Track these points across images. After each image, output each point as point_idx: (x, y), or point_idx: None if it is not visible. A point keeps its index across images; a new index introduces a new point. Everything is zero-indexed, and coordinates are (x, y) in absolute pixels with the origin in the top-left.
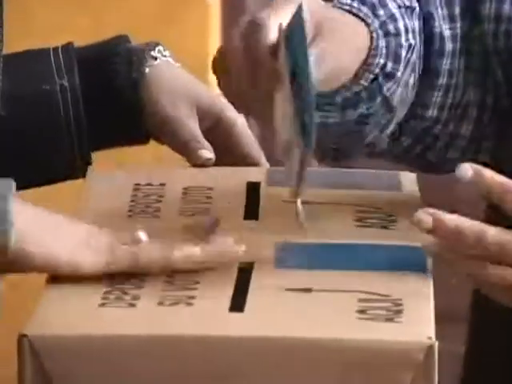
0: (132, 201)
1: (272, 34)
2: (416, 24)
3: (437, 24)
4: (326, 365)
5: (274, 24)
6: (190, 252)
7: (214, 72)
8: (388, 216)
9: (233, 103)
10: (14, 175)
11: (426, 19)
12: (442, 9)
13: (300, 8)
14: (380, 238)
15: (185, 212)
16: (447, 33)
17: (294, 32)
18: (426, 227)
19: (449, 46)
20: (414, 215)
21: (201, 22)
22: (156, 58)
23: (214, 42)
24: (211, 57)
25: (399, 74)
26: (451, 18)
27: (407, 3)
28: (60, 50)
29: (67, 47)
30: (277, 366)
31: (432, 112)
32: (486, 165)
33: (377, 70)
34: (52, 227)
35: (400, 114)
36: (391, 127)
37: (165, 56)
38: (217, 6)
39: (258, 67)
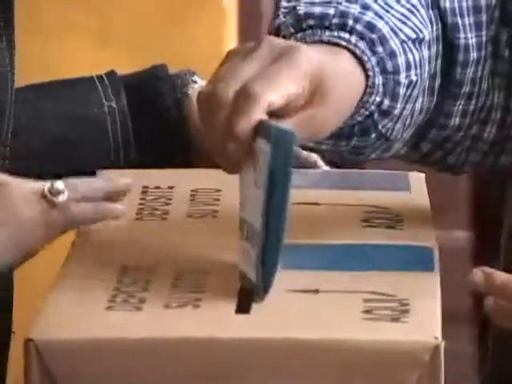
0: (140, 204)
1: (260, 113)
2: (425, 54)
3: (462, 35)
4: (332, 365)
5: (266, 100)
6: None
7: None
8: (395, 216)
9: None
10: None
11: (450, 30)
12: (468, 17)
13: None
14: (387, 238)
15: (193, 214)
16: (473, 41)
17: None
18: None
19: (473, 55)
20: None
21: (216, 26)
22: (196, 82)
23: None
24: None
25: (396, 111)
26: (478, 26)
27: (413, 36)
28: (105, 76)
29: (112, 73)
30: (284, 367)
31: (454, 120)
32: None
33: (372, 108)
34: None
35: (406, 135)
36: (396, 148)
37: (202, 80)
38: (233, 10)
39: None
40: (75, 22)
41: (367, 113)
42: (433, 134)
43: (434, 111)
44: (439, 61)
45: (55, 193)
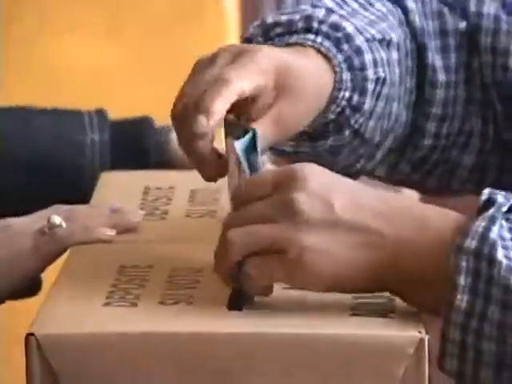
0: (142, 203)
1: (215, 120)
2: (394, 55)
3: (430, 55)
4: (322, 359)
5: (238, 84)
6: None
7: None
8: None
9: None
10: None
11: (421, 50)
12: (435, 40)
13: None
14: None
15: (191, 214)
16: (440, 63)
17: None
18: None
19: (441, 76)
20: None
21: (218, 26)
22: None
23: None
24: None
25: (366, 106)
26: (444, 49)
27: (379, 36)
28: (94, 112)
29: (101, 111)
30: (274, 360)
31: (428, 141)
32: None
33: (343, 103)
34: None
35: (387, 143)
36: (379, 156)
37: None
38: (234, 12)
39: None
40: (83, 21)
41: (339, 109)
42: (410, 154)
43: (410, 128)
44: (414, 79)
45: (52, 227)
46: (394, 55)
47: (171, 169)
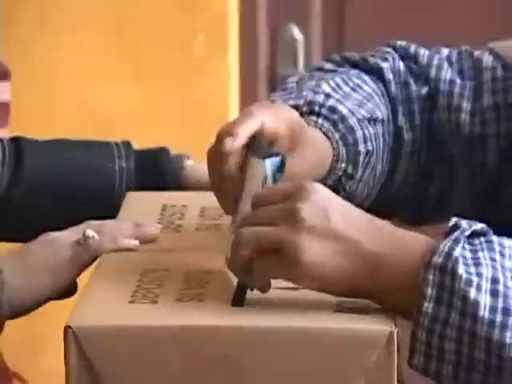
0: (160, 218)
1: (239, 141)
2: (379, 130)
3: (400, 118)
4: (310, 347)
5: (243, 130)
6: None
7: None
8: None
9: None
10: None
11: (394, 114)
12: (403, 105)
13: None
14: None
15: (201, 227)
16: (406, 125)
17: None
18: None
19: (408, 136)
20: None
21: (223, 77)
22: (189, 159)
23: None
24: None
25: (358, 175)
26: (410, 113)
27: (367, 116)
28: (121, 143)
29: (127, 143)
30: (269, 348)
31: (396, 184)
32: None
33: (340, 173)
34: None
35: (373, 195)
36: (366, 204)
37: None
38: (236, 66)
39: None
40: (110, 67)
41: (336, 177)
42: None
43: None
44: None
45: (86, 239)
46: (379, 129)
47: (184, 190)
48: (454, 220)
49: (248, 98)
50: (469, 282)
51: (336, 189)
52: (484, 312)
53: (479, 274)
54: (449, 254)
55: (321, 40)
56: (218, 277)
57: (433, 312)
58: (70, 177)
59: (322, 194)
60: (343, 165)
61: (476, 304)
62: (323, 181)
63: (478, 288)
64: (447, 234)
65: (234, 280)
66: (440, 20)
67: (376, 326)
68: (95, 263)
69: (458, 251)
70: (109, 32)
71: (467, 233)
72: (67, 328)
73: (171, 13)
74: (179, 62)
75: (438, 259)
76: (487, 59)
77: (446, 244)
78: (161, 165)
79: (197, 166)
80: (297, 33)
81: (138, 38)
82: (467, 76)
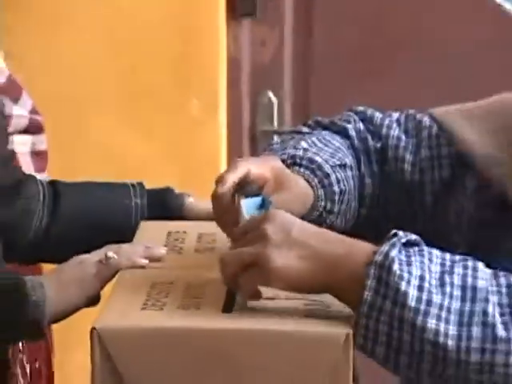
0: (165, 242)
1: (226, 186)
2: (349, 173)
3: (362, 167)
4: (283, 346)
5: (230, 177)
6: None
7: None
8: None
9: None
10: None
11: (358, 163)
12: (363, 156)
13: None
14: None
15: (199, 249)
16: (367, 172)
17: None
18: None
19: (368, 180)
20: None
21: (214, 136)
22: (190, 197)
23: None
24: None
25: (336, 210)
26: (369, 163)
27: (338, 162)
28: (136, 184)
29: (141, 184)
30: (250, 346)
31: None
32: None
33: (320, 209)
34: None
35: (350, 223)
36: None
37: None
38: (224, 125)
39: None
40: (129, 120)
41: (318, 213)
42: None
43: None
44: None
45: (107, 259)
46: (349, 173)
47: (185, 220)
48: (394, 230)
49: (235, 148)
50: (401, 278)
51: (319, 223)
52: (411, 302)
53: (410, 272)
54: (387, 255)
55: (290, 103)
56: (212, 289)
57: (371, 300)
58: (97, 213)
59: (282, 216)
60: (323, 203)
61: (405, 295)
62: (307, 216)
63: (408, 282)
64: (388, 239)
65: (223, 292)
66: (393, 86)
67: (337, 329)
68: (115, 278)
69: (394, 253)
70: (125, 101)
71: (403, 240)
72: (93, 329)
73: (172, 83)
74: (180, 121)
75: (378, 258)
76: (426, 120)
77: (385, 247)
78: (167, 201)
79: (195, 202)
80: (272, 97)
81: (148, 105)
82: (410, 134)
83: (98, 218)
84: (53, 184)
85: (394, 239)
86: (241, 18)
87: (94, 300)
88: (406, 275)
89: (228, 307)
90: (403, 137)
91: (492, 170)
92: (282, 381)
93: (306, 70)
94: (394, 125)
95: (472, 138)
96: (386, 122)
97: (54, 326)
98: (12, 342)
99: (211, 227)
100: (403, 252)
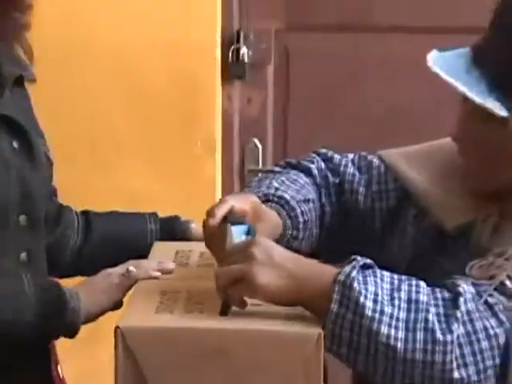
0: (174, 259)
1: (216, 219)
2: (311, 206)
3: (323, 199)
4: (265, 343)
5: (219, 211)
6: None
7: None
8: None
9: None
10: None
11: (319, 195)
12: (325, 189)
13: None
14: None
15: (200, 265)
16: (327, 209)
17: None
18: None
19: (328, 209)
20: None
21: (211, 169)
22: (193, 223)
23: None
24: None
25: (300, 236)
26: (329, 195)
27: (303, 198)
28: (151, 214)
29: (155, 213)
30: (240, 342)
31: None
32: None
33: (288, 236)
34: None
35: (313, 246)
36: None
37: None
38: (219, 160)
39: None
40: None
41: (286, 239)
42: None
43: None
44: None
45: (128, 272)
46: (311, 206)
47: (190, 241)
48: (353, 256)
49: (227, 182)
50: (360, 293)
51: (288, 247)
52: (368, 312)
53: (366, 289)
54: (348, 275)
55: (272, 148)
56: (211, 296)
57: (336, 311)
58: (120, 236)
59: (266, 242)
60: (290, 231)
61: (363, 306)
62: (279, 241)
63: (365, 297)
64: (349, 263)
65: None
66: (351, 136)
67: (310, 330)
68: (134, 287)
69: (354, 273)
70: (140, 145)
71: (360, 263)
72: (117, 328)
73: (179, 131)
74: (185, 160)
75: (341, 277)
76: (375, 161)
77: (347, 269)
78: (175, 227)
79: (197, 227)
80: (258, 143)
81: (160, 148)
82: (363, 171)
83: (121, 240)
84: (85, 213)
85: (354, 262)
86: (233, 80)
87: (117, 305)
88: (363, 291)
89: (224, 312)
90: (357, 173)
91: (428, 201)
92: (264, 372)
93: (284, 122)
94: (350, 164)
95: (412, 175)
96: (343, 161)
97: (84, 326)
98: (54, 339)
99: None
100: (360, 273)
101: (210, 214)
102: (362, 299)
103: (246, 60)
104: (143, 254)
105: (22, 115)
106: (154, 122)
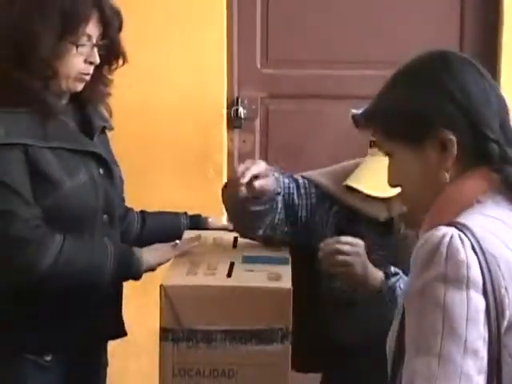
0: (197, 239)
1: (245, 179)
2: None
3: (299, 210)
4: (251, 296)
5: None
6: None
7: (222, 195)
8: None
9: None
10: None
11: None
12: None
13: None
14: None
15: (215, 244)
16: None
17: None
18: None
19: (303, 213)
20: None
21: (216, 180)
22: (210, 217)
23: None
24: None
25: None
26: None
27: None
28: (184, 213)
29: (185, 212)
30: (238, 295)
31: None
32: None
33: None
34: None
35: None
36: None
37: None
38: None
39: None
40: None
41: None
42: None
43: None
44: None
45: (175, 244)
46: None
47: (208, 230)
48: (391, 267)
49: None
50: (399, 293)
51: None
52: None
53: (400, 288)
54: (390, 282)
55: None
56: (222, 264)
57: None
58: (166, 227)
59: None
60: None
61: (396, 298)
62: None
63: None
64: (387, 274)
65: (227, 266)
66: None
67: (283, 285)
68: (172, 259)
69: (393, 281)
70: (172, 171)
71: (394, 272)
72: (161, 286)
73: (199, 162)
74: (202, 181)
75: (390, 282)
76: (299, 178)
77: (390, 278)
78: (199, 221)
79: (213, 220)
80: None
81: (186, 173)
82: (295, 184)
83: (166, 229)
84: (142, 212)
85: (398, 276)
86: (234, 129)
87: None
88: (399, 290)
89: (229, 274)
90: (296, 192)
91: (348, 201)
92: (251, 312)
93: (265, 156)
94: (290, 179)
95: (326, 183)
96: (300, 180)
97: (141, 283)
98: (125, 281)
99: (221, 234)
100: (396, 278)
101: (240, 174)
102: (398, 292)
103: (242, 116)
104: (179, 237)
105: (104, 152)
106: (181, 157)
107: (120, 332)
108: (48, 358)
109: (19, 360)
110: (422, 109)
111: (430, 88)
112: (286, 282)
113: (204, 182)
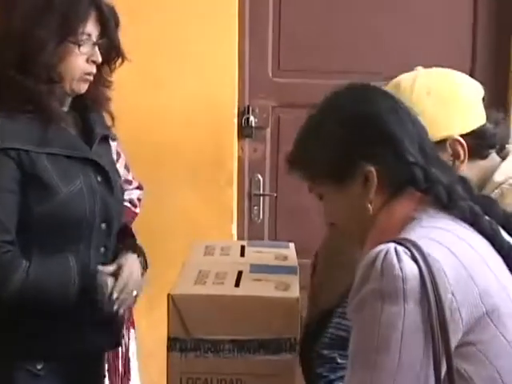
0: (205, 251)
1: None
2: None
3: None
4: (259, 306)
5: None
6: None
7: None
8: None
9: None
10: None
11: None
12: None
13: None
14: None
15: (221, 255)
16: None
17: None
18: None
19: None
20: None
21: (228, 186)
22: None
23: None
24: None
25: None
26: None
27: None
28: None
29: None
30: (246, 305)
31: None
32: None
33: None
34: None
35: None
36: None
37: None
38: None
39: None
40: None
41: None
42: None
43: None
44: None
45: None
46: None
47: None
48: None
49: (240, 203)
50: None
51: None
52: None
53: None
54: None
55: (269, 180)
56: (229, 274)
57: None
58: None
59: None
60: None
61: None
62: None
63: None
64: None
65: (235, 275)
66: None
67: (291, 295)
68: (181, 268)
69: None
70: (185, 178)
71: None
72: (169, 295)
73: (212, 171)
74: (215, 189)
75: None
76: None
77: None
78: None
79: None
80: (260, 177)
81: (200, 181)
82: None
83: None
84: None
85: None
86: (245, 138)
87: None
88: None
89: (237, 283)
90: None
91: None
92: (256, 321)
93: (276, 164)
94: None
95: None
96: None
97: (149, 294)
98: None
99: (228, 243)
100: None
101: None
102: None
103: (253, 125)
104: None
105: (105, 160)
106: (193, 166)
107: (114, 343)
108: (39, 366)
109: (9, 367)
110: (340, 148)
111: (347, 124)
112: (294, 292)
113: (216, 190)
